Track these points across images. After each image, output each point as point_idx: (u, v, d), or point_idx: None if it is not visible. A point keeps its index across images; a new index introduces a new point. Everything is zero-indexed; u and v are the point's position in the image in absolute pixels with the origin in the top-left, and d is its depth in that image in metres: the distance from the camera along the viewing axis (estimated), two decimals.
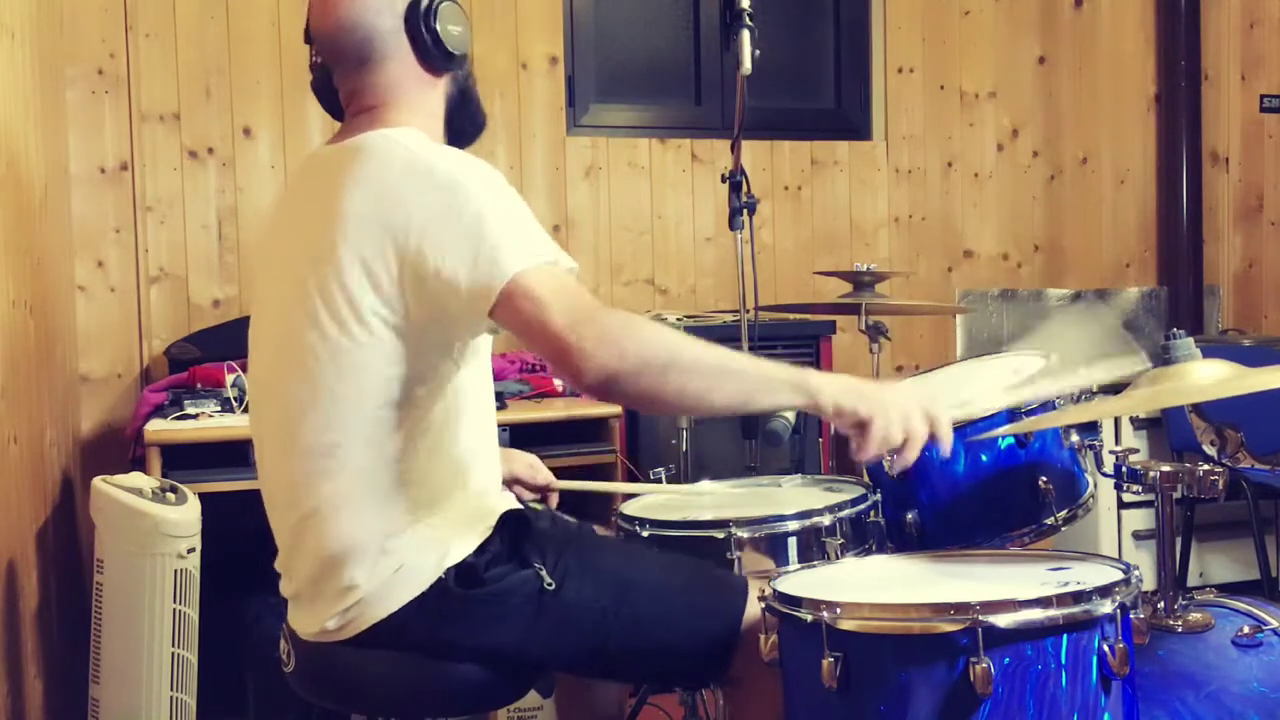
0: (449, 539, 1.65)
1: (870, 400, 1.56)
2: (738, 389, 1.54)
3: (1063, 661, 1.42)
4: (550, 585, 1.66)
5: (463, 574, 1.64)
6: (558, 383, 3.31)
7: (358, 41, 1.72)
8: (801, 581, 1.66)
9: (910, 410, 1.58)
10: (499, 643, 1.65)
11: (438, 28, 1.71)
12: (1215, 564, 3.93)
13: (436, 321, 1.59)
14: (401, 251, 1.57)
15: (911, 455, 1.59)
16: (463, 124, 1.81)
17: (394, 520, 1.64)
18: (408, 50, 1.72)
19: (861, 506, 1.97)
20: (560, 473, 2.12)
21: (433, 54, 1.72)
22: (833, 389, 1.56)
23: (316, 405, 1.63)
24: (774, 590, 1.55)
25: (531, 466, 2.06)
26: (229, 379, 3.00)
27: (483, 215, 1.55)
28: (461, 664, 1.67)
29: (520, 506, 1.75)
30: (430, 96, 1.76)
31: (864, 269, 2.68)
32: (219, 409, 2.97)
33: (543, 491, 2.05)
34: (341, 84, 1.76)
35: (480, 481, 1.74)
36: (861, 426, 1.56)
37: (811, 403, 1.56)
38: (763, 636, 1.56)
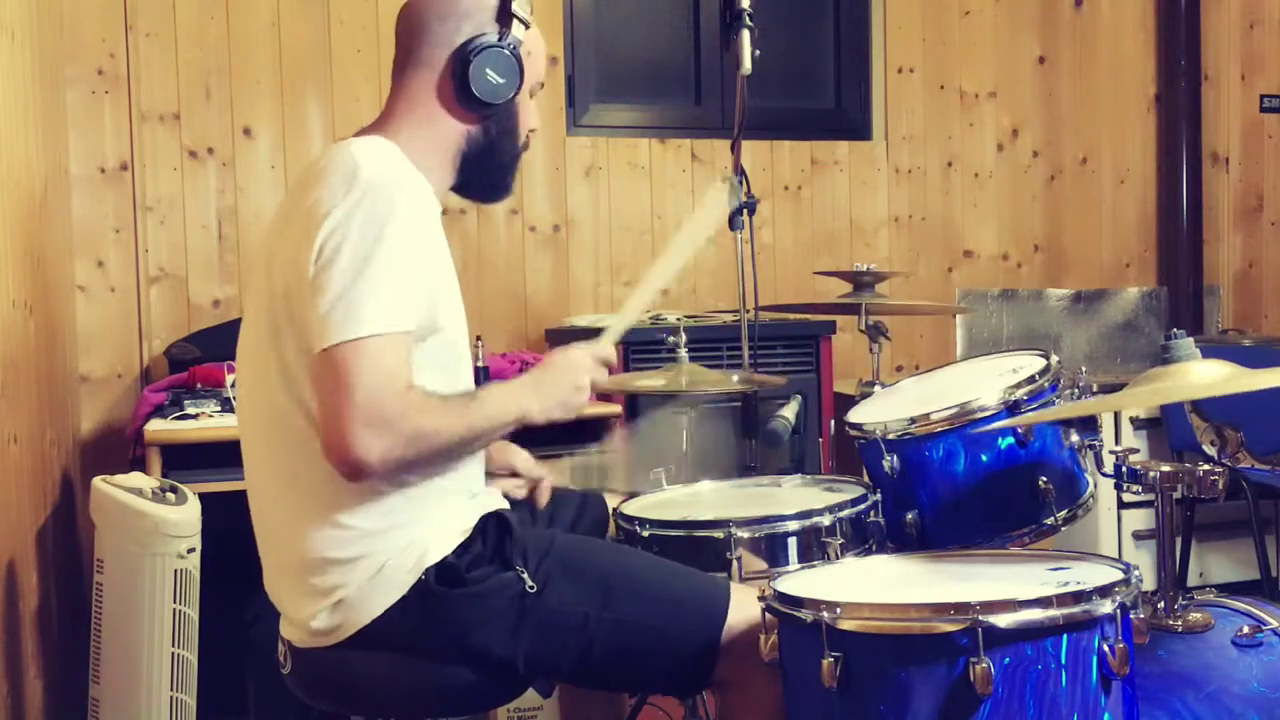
0: (428, 539, 1.66)
1: (556, 405, 1.75)
2: (475, 450, 1.74)
3: (1063, 661, 1.42)
4: (532, 588, 1.66)
5: (443, 574, 1.65)
6: None
7: (414, 31, 1.77)
8: (801, 581, 1.66)
9: (578, 386, 1.78)
10: (485, 644, 1.65)
11: (476, 65, 1.74)
12: (1215, 564, 3.92)
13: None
14: (317, 260, 1.57)
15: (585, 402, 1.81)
16: (479, 178, 1.81)
17: (371, 526, 1.65)
18: (444, 71, 1.75)
19: (861, 506, 1.97)
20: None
21: (460, 89, 1.74)
22: (532, 411, 1.72)
23: (286, 421, 1.64)
24: (774, 590, 1.55)
25: (527, 461, 2.06)
26: (229, 379, 3.00)
27: (356, 257, 1.55)
28: (452, 665, 1.67)
29: (505, 507, 1.75)
30: (443, 127, 1.77)
31: (864, 269, 2.67)
32: (219, 409, 2.97)
33: (534, 484, 2.04)
34: (392, 73, 1.81)
35: (458, 483, 1.74)
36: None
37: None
38: (763, 636, 1.56)
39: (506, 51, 1.76)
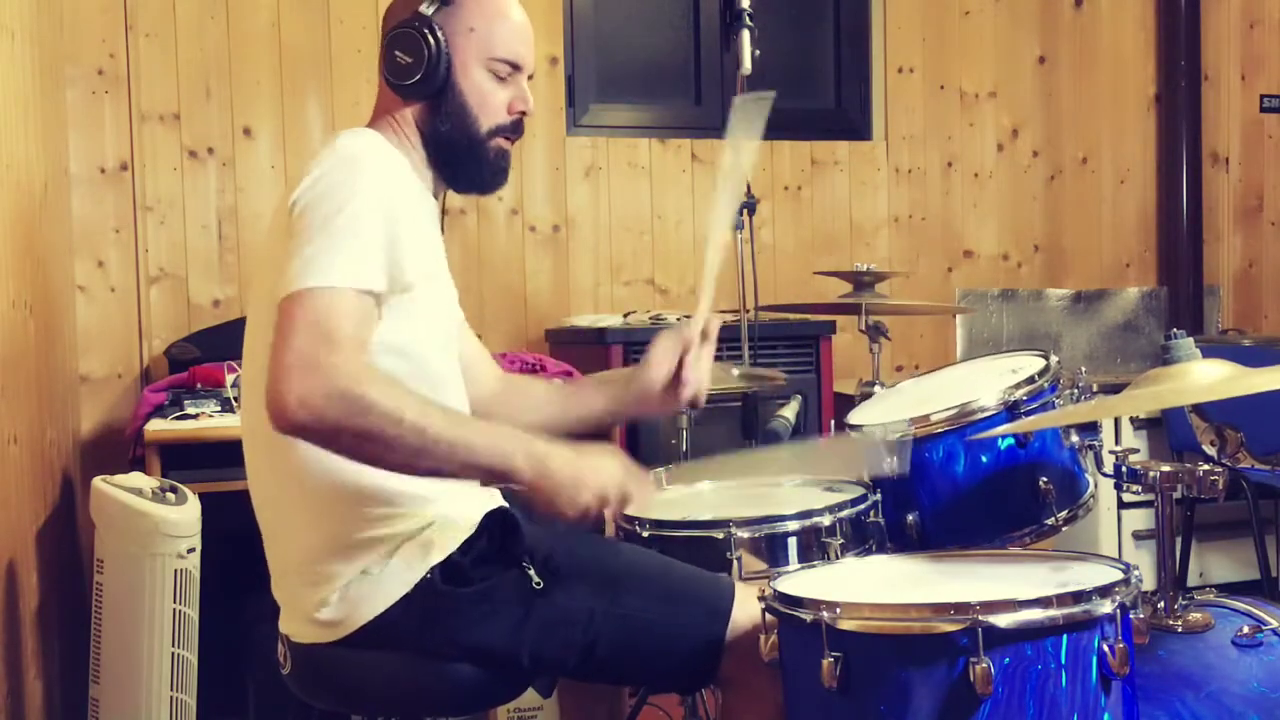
0: (431, 537, 1.66)
1: (553, 485, 1.55)
2: (431, 468, 1.53)
3: (1063, 661, 1.42)
4: (538, 585, 1.66)
5: (449, 572, 1.65)
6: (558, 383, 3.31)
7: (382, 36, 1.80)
8: (801, 581, 1.66)
9: (588, 494, 1.57)
10: (489, 642, 1.65)
11: (387, 50, 1.75)
12: (1215, 564, 3.93)
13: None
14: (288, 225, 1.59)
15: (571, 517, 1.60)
16: (451, 168, 1.79)
17: (373, 521, 1.65)
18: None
19: (861, 506, 1.97)
20: None
21: (387, 74, 1.76)
22: (531, 476, 1.54)
23: None
24: (774, 590, 1.55)
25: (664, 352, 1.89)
26: (229, 379, 3.01)
27: (329, 220, 1.55)
28: (455, 663, 1.67)
29: (505, 504, 1.75)
30: (401, 119, 1.78)
31: (864, 269, 2.67)
32: (219, 409, 2.97)
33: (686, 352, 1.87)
34: None
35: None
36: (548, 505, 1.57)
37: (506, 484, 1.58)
38: (763, 636, 1.56)
39: (410, 30, 1.73)
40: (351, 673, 1.69)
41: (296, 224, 1.57)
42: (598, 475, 1.58)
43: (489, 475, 1.56)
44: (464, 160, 1.79)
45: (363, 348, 1.52)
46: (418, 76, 1.73)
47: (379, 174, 1.64)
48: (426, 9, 1.74)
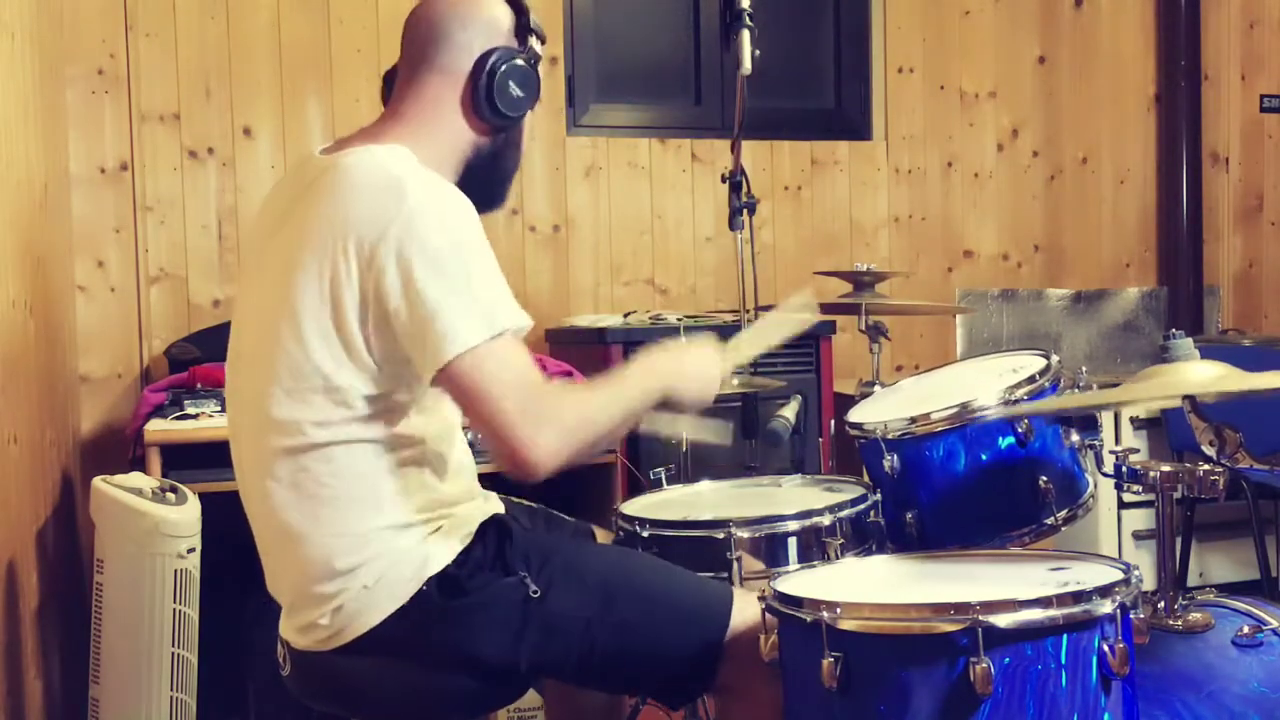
0: (426, 549, 1.65)
1: (699, 389, 1.82)
2: (628, 429, 1.81)
3: (1063, 661, 1.42)
4: (535, 593, 1.65)
5: (444, 584, 1.64)
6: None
7: (432, 35, 1.75)
8: (801, 581, 1.66)
9: (716, 376, 1.87)
10: (486, 651, 1.65)
11: (500, 77, 1.73)
12: (1215, 564, 3.93)
13: (393, 354, 1.60)
14: (363, 279, 1.56)
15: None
16: (479, 188, 1.77)
17: (368, 533, 1.64)
18: (466, 79, 1.74)
19: (861, 506, 1.97)
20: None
21: (483, 99, 1.74)
22: (676, 389, 1.79)
23: (286, 424, 1.63)
24: (774, 590, 1.55)
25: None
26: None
27: (440, 271, 1.55)
28: (452, 672, 1.66)
29: (501, 511, 1.75)
30: (455, 134, 1.76)
31: (864, 269, 2.67)
32: (219, 409, 2.97)
33: None
34: (398, 76, 1.79)
35: (456, 489, 1.73)
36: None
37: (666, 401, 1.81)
38: (763, 637, 1.56)
39: (529, 66, 1.76)
40: (349, 678, 1.69)
41: (410, 283, 1.54)
42: (715, 362, 1.87)
43: (656, 408, 1.78)
44: (495, 184, 1.84)
45: (540, 373, 1.63)
46: (526, 111, 1.80)
47: (464, 208, 1.63)
48: (538, 47, 1.80)
